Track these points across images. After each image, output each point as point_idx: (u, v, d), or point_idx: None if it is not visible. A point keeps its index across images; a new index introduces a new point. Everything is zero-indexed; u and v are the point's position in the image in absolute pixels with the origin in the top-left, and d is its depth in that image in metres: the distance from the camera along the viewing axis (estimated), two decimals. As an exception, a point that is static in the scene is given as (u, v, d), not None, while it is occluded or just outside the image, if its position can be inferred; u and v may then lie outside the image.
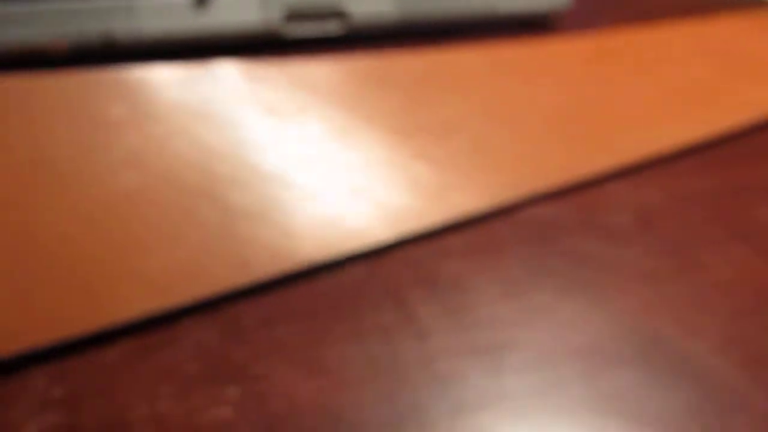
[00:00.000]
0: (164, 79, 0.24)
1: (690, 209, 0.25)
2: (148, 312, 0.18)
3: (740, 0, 0.44)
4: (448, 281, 0.21)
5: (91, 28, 0.30)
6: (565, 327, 0.20)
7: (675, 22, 0.38)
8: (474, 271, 0.21)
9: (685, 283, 0.22)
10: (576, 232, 0.23)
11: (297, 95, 0.26)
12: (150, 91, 0.24)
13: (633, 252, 0.23)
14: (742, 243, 0.24)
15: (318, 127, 0.24)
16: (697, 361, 0.19)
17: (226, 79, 0.25)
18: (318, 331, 0.19)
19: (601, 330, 0.20)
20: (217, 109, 0.24)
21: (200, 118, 0.23)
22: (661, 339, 0.20)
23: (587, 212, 0.24)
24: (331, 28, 0.34)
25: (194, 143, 0.22)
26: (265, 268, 0.19)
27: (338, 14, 0.34)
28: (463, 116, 0.27)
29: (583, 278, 0.21)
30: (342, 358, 0.18)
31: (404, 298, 0.20)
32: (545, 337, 0.19)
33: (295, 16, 0.33)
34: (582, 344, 0.19)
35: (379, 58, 0.29)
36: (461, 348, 0.19)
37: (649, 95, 0.31)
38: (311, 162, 0.23)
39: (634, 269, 0.22)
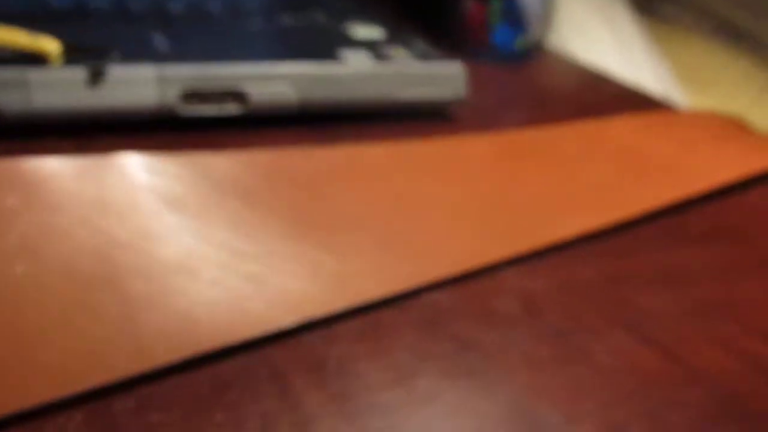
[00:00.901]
0: (63, 169, 0.24)
1: (574, 297, 0.26)
2: (40, 402, 0.17)
3: (636, 100, 0.47)
4: (336, 367, 0.21)
5: (-23, 99, 0.29)
6: (448, 413, 0.20)
7: (573, 123, 0.40)
8: (362, 357, 0.21)
9: (568, 370, 0.22)
10: (464, 319, 0.24)
11: (198, 188, 0.25)
12: (48, 181, 0.23)
13: (518, 338, 0.23)
14: (623, 331, 0.24)
15: (219, 219, 0.24)
16: (577, 447, 0.19)
17: (127, 171, 0.25)
18: (195, 419, 0.18)
19: (484, 416, 0.20)
20: (118, 200, 0.23)
21: (101, 210, 0.22)
22: (543, 425, 0.20)
23: (476, 299, 0.25)
24: (230, 109, 0.34)
25: (94, 234, 0.22)
26: (164, 355, 0.19)
27: (236, 95, 0.34)
28: (366, 209, 0.27)
29: (467, 364, 0.22)
30: (218, 448, 0.17)
31: (290, 384, 0.20)
32: (428, 424, 0.19)
33: (192, 95, 0.33)
34: (467, 428, 0.19)
35: (282, 150, 0.30)
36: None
37: (546, 190, 0.32)
38: (212, 252, 0.23)
39: (518, 355, 0.22)
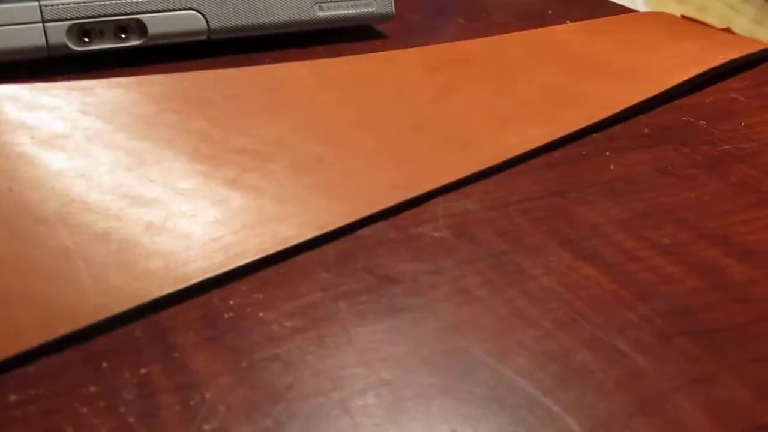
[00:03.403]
0: None
1: (511, 217, 0.23)
2: None
3: (587, 5, 0.44)
4: (232, 320, 0.18)
5: None
6: (360, 360, 0.17)
7: (514, 32, 0.37)
8: (264, 305, 0.18)
9: (500, 297, 0.20)
10: (386, 252, 0.21)
11: (84, 122, 0.22)
12: None
13: (447, 266, 0.21)
14: (564, 248, 0.22)
15: (110, 158, 0.21)
16: (509, 384, 0.17)
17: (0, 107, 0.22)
18: (65, 393, 0.15)
19: (403, 360, 0.17)
20: None
21: None
22: (471, 363, 0.17)
23: (400, 229, 0.22)
24: (130, 41, 0.30)
25: None
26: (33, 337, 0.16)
27: (136, 25, 0.30)
28: (282, 137, 0.24)
29: (388, 300, 0.19)
30: (83, 424, 0.15)
31: (174, 345, 0.17)
32: (337, 374, 0.17)
33: (85, 30, 0.29)
34: (380, 378, 0.17)
35: (182, 75, 0.26)
36: (235, 399, 0.16)
37: (484, 105, 0.29)
38: (101, 198, 0.20)
39: (446, 285, 0.20)
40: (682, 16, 0.42)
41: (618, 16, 0.41)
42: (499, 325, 0.19)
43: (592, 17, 0.41)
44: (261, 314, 0.18)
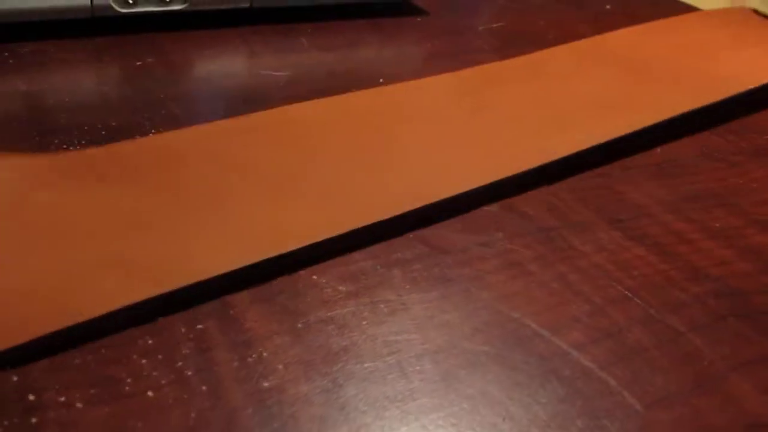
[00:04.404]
0: None
1: (556, 193, 0.23)
2: None
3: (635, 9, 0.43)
4: (285, 280, 0.18)
5: None
6: (414, 326, 0.17)
7: (561, 44, 0.35)
8: (317, 269, 0.18)
9: (551, 272, 0.19)
10: (435, 222, 0.21)
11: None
12: None
13: (496, 240, 0.20)
14: (612, 227, 0.22)
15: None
16: (564, 356, 0.17)
17: None
18: (118, 347, 0.15)
19: (456, 328, 0.17)
20: None
21: None
22: (525, 335, 0.17)
23: (447, 201, 0.22)
24: (173, 4, 0.30)
25: None
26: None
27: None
28: (293, 167, 0.22)
29: (440, 270, 0.19)
30: (142, 376, 0.15)
31: (230, 303, 0.17)
32: (392, 339, 0.17)
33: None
34: (435, 345, 0.17)
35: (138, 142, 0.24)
36: (291, 359, 0.16)
37: (524, 117, 0.26)
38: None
39: (496, 257, 0.20)
40: (754, 11, 0.40)
41: (682, 16, 0.40)
42: (551, 299, 0.18)
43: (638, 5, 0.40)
44: (314, 277, 0.18)
